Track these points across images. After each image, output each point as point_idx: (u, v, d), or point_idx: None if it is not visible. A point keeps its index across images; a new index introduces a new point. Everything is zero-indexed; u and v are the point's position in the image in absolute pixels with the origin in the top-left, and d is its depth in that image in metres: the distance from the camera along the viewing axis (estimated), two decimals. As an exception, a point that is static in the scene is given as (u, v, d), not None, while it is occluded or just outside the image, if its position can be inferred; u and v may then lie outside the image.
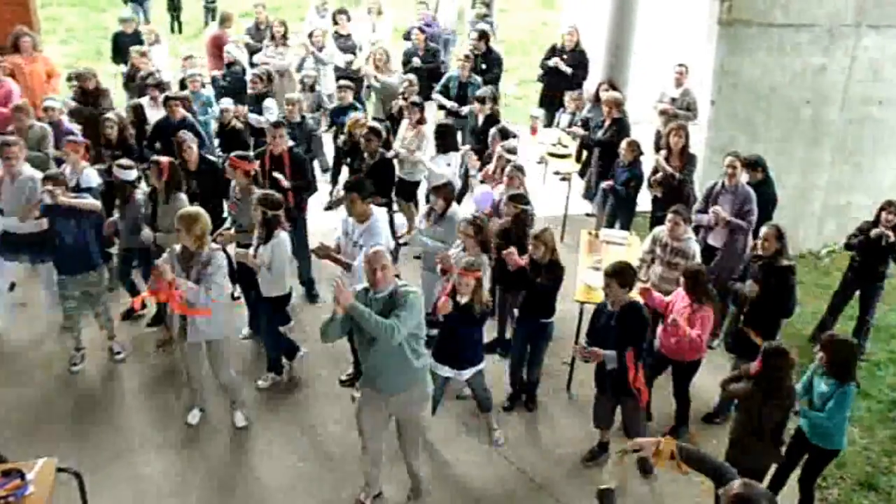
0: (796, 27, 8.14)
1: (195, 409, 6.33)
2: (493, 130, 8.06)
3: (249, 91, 9.18)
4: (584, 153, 9.26)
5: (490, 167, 7.86)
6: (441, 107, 9.89)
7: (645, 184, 8.15)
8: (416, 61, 10.34)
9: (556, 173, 9.89)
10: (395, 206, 8.42)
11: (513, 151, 7.70)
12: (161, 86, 9.12)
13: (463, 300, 5.57)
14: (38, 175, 6.67)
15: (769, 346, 5.10)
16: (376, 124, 7.98)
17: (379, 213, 6.43)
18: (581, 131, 9.06)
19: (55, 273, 6.61)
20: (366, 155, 7.72)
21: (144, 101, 8.94)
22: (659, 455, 3.73)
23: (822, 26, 8.16)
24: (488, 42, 10.57)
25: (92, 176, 7.15)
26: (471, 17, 12.54)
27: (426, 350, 5.20)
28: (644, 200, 8.37)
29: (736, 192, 7.14)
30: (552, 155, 9.52)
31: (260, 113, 8.95)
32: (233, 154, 6.93)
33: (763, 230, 6.19)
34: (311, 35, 10.45)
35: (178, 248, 5.73)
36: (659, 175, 7.86)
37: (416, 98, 8.78)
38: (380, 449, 5.42)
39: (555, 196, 9.50)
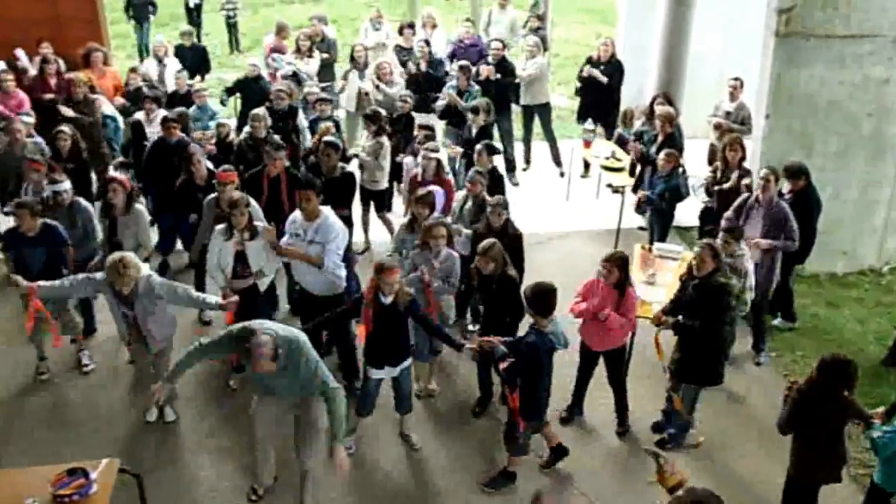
0: (857, 38, 7.98)
1: (153, 407, 6.38)
2: (479, 146, 7.89)
3: (275, 106, 8.85)
4: (638, 167, 9.19)
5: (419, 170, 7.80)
6: (443, 115, 9.77)
7: (693, 195, 8.08)
8: (411, 66, 10.29)
9: (609, 186, 9.86)
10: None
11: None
12: (158, 100, 9.17)
13: (388, 299, 5.58)
14: None
15: (826, 357, 4.88)
16: (333, 138, 7.87)
17: (328, 210, 6.43)
18: (638, 146, 8.96)
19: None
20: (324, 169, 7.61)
21: (141, 115, 8.97)
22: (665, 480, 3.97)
23: (886, 37, 7.98)
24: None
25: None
26: (523, 30, 12.54)
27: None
28: (692, 213, 8.26)
29: (770, 207, 6.93)
30: (606, 168, 9.50)
31: (288, 129, 8.78)
32: (220, 169, 7.00)
33: (696, 249, 6.00)
34: (352, 50, 10.50)
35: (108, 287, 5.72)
36: (726, 185, 7.69)
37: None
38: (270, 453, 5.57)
39: (607, 209, 9.47)
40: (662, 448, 5.93)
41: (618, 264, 5.89)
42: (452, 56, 10.97)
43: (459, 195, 7.48)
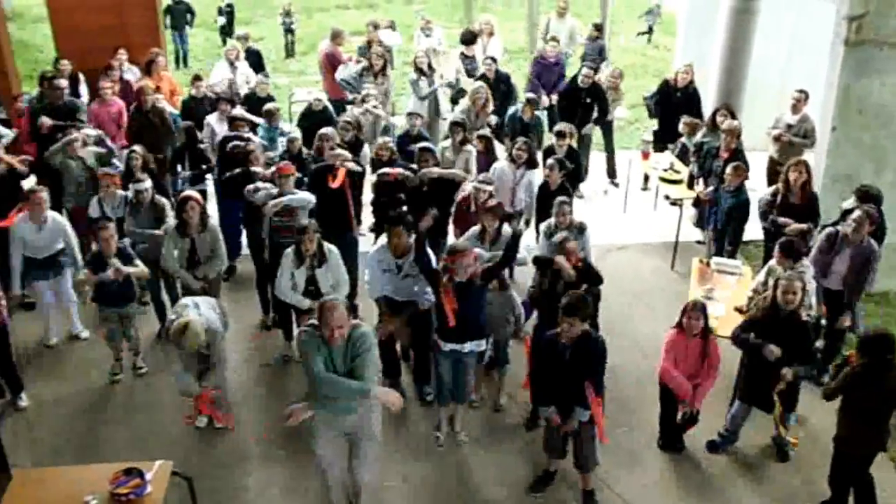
0: (934, 47, 7.71)
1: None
2: (550, 160, 7.84)
3: (341, 137, 8.65)
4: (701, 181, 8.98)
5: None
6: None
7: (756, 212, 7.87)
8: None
9: (667, 198, 9.70)
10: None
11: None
12: (232, 101, 9.37)
13: (464, 277, 5.67)
14: (62, 220, 7.13)
15: (869, 333, 5.22)
16: (430, 145, 7.93)
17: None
18: (694, 170, 8.77)
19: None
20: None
21: (213, 117, 9.10)
22: None
23: (964, 46, 7.69)
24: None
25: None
26: (582, 39, 12.47)
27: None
28: (755, 228, 8.07)
29: (860, 247, 6.62)
30: (664, 180, 9.34)
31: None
32: (280, 163, 7.12)
33: (782, 281, 5.79)
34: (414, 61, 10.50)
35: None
36: (789, 229, 7.28)
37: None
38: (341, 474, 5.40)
39: (665, 222, 9.32)
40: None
41: (703, 312, 5.82)
42: (538, 74, 10.94)
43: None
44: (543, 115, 9.99)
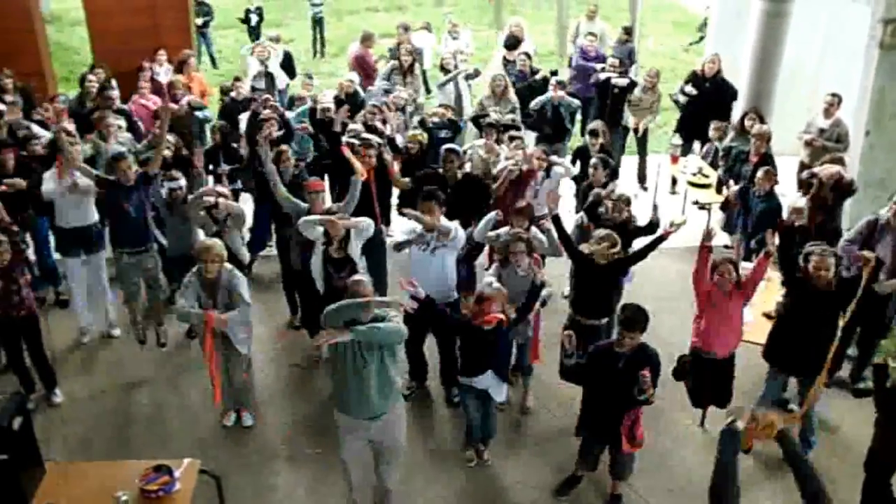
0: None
1: (231, 412, 6.58)
2: (594, 160, 7.89)
3: (368, 121, 8.83)
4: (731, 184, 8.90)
5: None
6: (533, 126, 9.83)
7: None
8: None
9: (695, 203, 9.63)
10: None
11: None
12: (266, 100, 9.33)
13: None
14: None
15: None
16: (453, 145, 7.92)
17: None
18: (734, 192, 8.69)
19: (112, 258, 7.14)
20: (446, 174, 7.61)
21: (246, 116, 9.12)
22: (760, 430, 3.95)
23: None
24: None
25: None
26: (611, 42, 12.40)
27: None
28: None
29: None
30: (692, 184, 9.28)
31: None
32: (310, 180, 7.05)
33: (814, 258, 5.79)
34: (442, 59, 10.56)
35: (195, 276, 5.94)
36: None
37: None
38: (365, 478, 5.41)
39: (693, 226, 9.23)
40: None
41: (734, 265, 5.92)
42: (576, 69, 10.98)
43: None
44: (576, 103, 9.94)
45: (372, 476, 5.47)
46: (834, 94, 8.87)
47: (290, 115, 9.00)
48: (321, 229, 6.29)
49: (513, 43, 11.11)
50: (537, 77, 10.34)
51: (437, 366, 6.83)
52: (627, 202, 6.82)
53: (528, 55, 10.55)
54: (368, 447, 5.27)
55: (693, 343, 6.20)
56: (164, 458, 5.07)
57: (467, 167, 8.12)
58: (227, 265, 5.98)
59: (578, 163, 8.66)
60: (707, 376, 6.21)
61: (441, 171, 7.65)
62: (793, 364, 6.03)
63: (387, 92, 9.85)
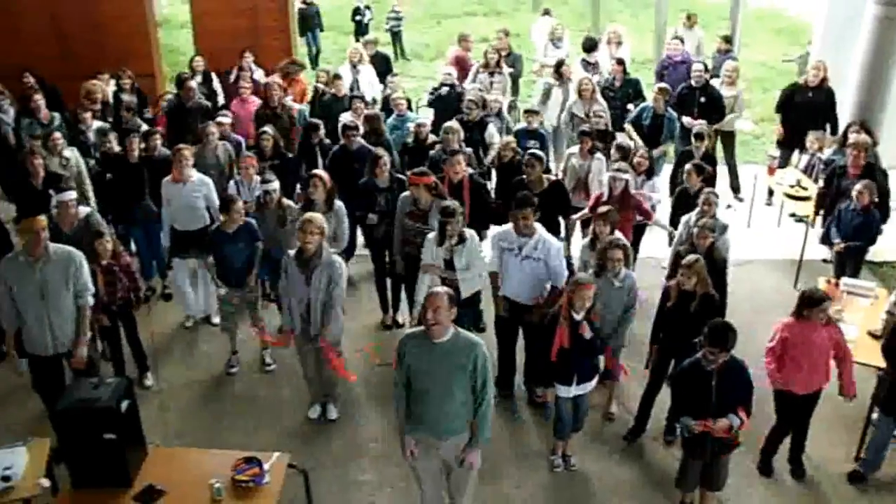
0: None
1: (316, 405, 6.68)
2: (688, 165, 7.70)
3: (465, 117, 8.99)
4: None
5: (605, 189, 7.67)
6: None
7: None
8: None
9: (792, 215, 9.36)
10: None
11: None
12: (364, 99, 9.61)
13: (580, 316, 5.56)
14: (207, 179, 7.58)
15: None
16: (537, 151, 7.79)
17: (540, 227, 6.37)
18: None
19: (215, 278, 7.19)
20: (528, 181, 7.46)
21: (347, 115, 9.23)
22: None
23: None
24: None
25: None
26: (711, 51, 12.16)
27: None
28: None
29: None
30: (790, 196, 9.02)
31: (477, 140, 8.95)
32: (411, 172, 7.06)
33: None
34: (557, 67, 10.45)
35: (292, 252, 6.06)
36: None
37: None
38: (439, 497, 5.27)
39: (790, 239, 9.00)
40: None
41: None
42: (661, 75, 10.83)
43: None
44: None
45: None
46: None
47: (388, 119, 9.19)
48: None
49: (590, 45, 11.08)
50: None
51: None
52: (712, 229, 6.61)
53: (620, 61, 10.45)
54: (442, 464, 5.07)
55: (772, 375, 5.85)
56: (254, 448, 5.26)
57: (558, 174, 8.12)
58: (327, 245, 6.09)
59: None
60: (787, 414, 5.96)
61: (525, 177, 7.56)
62: None
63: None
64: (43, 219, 5.70)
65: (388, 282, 7.80)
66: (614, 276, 6.11)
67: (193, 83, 9.69)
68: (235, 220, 6.82)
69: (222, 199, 7.07)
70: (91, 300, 5.90)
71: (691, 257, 5.99)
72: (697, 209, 7.04)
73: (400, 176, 7.69)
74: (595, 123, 9.06)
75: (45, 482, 4.89)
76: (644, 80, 10.79)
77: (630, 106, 10.01)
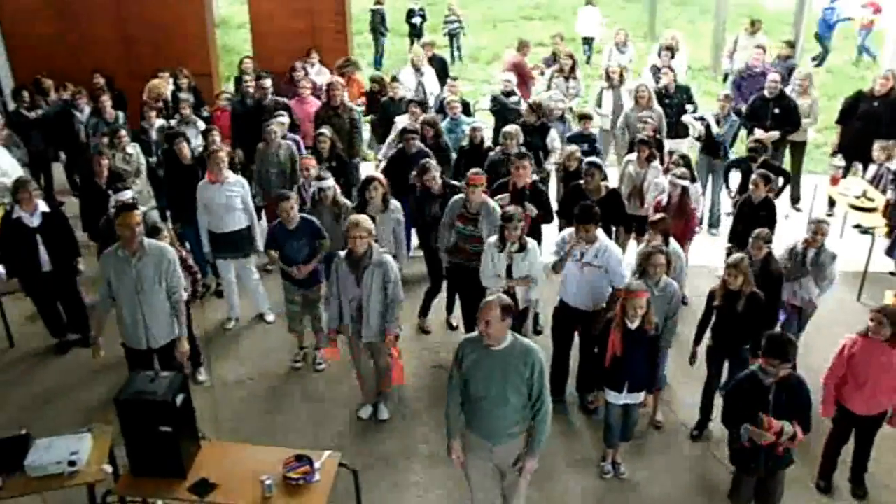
0: None
1: (367, 405, 6.69)
2: (754, 175, 7.50)
3: (527, 121, 8.99)
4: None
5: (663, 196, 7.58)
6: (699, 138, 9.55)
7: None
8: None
9: (857, 226, 9.12)
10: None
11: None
12: (423, 104, 9.62)
13: (634, 324, 5.48)
14: (242, 179, 7.64)
15: None
16: (596, 159, 7.76)
17: (603, 234, 6.35)
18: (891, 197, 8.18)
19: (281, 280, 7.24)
20: (587, 188, 7.45)
21: (404, 118, 9.28)
22: None
23: None
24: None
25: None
26: (771, 58, 11.92)
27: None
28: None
29: None
30: (855, 207, 8.79)
31: (538, 145, 8.92)
32: (470, 171, 7.01)
33: None
34: (607, 71, 10.43)
35: (342, 254, 6.09)
36: None
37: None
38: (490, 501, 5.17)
39: (853, 250, 8.76)
40: None
41: (890, 317, 5.36)
42: (738, 85, 10.70)
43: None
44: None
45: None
46: None
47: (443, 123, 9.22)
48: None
49: (669, 46, 11.06)
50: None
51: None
52: (767, 240, 6.46)
53: (671, 68, 10.34)
54: (494, 470, 5.01)
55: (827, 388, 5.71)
56: (305, 446, 5.27)
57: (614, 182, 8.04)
58: (377, 246, 6.13)
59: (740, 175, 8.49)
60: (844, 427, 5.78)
61: (583, 185, 7.53)
62: None
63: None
64: (138, 214, 5.81)
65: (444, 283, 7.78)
66: (654, 283, 6.00)
67: (268, 82, 9.77)
68: (290, 217, 6.86)
69: (276, 195, 7.12)
70: (185, 296, 6.02)
71: (737, 256, 5.94)
72: (804, 236, 6.72)
73: (452, 182, 7.70)
74: (641, 129, 8.98)
75: (108, 468, 5.02)
76: (701, 88, 10.65)
77: (687, 112, 9.87)
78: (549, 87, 10.63)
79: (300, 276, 6.94)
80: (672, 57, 10.94)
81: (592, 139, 9.06)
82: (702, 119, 9.47)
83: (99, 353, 6.10)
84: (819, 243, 6.58)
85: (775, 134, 9.31)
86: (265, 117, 8.96)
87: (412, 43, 16.49)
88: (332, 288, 6.27)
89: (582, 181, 7.52)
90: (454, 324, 7.83)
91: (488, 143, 8.94)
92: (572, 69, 10.54)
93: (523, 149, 8.02)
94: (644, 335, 5.56)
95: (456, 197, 7.07)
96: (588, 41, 16.40)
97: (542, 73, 11.14)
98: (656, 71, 10.71)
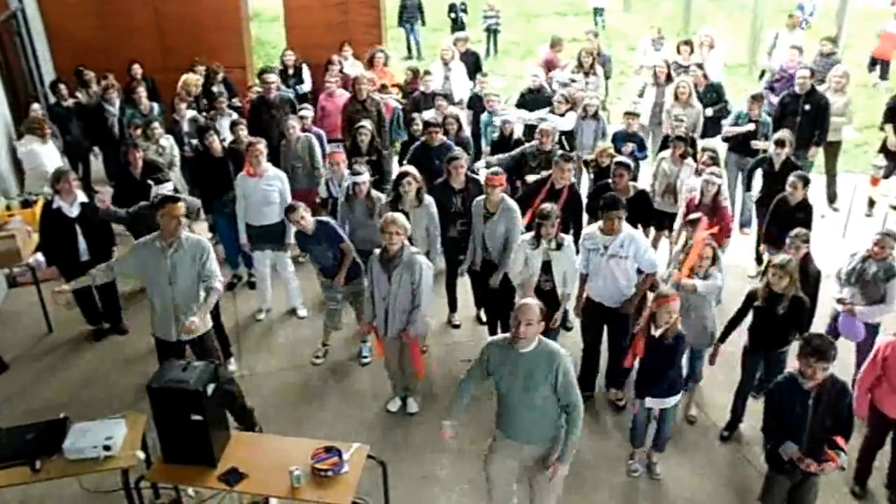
0: None
1: (396, 398, 6.72)
2: (792, 177, 7.33)
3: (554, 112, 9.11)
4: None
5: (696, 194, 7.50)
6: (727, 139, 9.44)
7: None
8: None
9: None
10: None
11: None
12: (448, 97, 9.60)
13: (658, 332, 5.42)
14: (281, 173, 7.64)
15: None
16: (626, 160, 7.67)
17: (627, 224, 6.31)
18: None
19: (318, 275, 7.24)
20: (615, 188, 7.35)
21: (430, 113, 9.25)
22: None
23: None
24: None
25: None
26: (813, 55, 11.72)
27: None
28: None
29: None
30: (896, 209, 8.65)
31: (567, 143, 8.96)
32: (489, 171, 6.99)
33: None
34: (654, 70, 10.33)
35: (377, 251, 6.11)
36: None
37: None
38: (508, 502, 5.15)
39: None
40: None
41: None
42: (771, 87, 10.56)
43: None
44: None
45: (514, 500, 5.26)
46: None
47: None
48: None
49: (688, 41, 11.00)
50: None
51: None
52: (806, 240, 6.38)
53: (700, 66, 10.23)
54: (519, 471, 5.01)
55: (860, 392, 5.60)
56: (334, 438, 5.30)
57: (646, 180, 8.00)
58: (410, 245, 6.14)
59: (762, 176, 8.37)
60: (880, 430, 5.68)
61: (612, 184, 7.47)
62: None
63: (564, 85, 9.98)
64: (182, 205, 5.83)
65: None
66: (703, 276, 6.02)
67: (272, 77, 9.79)
68: (303, 225, 6.82)
69: (286, 207, 7.06)
70: (220, 286, 5.90)
71: (784, 257, 5.84)
72: (866, 249, 6.49)
73: (475, 176, 7.71)
74: (675, 127, 8.91)
75: (141, 454, 5.09)
76: (735, 85, 10.50)
77: (709, 111, 9.76)
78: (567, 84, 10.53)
79: (339, 286, 7.01)
80: (691, 52, 10.81)
81: (640, 138, 9.01)
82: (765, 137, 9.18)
83: (63, 299, 5.88)
84: (880, 256, 6.30)
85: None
86: (274, 113, 9.12)
87: (488, 41, 16.82)
88: (369, 285, 6.32)
89: (611, 180, 7.50)
90: (483, 318, 7.81)
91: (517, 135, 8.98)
92: (592, 65, 10.49)
93: (557, 147, 8.01)
94: (662, 343, 5.47)
95: (478, 199, 7.05)
96: (598, 11, 17.75)
97: (563, 69, 11.06)
98: (678, 67, 10.50)
